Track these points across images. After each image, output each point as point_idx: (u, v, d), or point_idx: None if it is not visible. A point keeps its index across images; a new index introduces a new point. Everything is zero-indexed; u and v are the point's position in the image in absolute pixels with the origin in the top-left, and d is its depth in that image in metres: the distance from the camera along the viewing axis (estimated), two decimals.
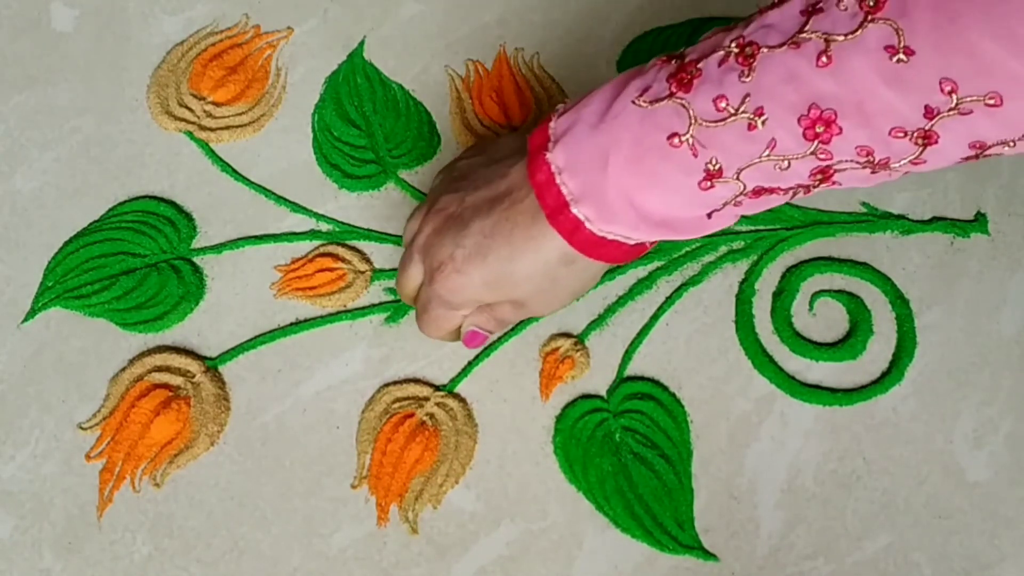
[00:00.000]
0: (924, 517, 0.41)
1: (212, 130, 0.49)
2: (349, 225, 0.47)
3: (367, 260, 0.46)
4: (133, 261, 0.46)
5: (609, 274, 0.45)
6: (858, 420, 0.43)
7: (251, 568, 0.41)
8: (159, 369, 0.44)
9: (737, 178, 0.32)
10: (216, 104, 0.49)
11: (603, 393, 0.44)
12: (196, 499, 0.42)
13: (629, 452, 0.42)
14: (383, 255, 0.46)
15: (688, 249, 0.46)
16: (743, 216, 0.35)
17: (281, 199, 0.47)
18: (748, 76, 0.30)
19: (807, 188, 0.32)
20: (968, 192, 0.47)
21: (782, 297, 0.45)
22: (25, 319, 0.45)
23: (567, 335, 0.44)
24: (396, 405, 0.43)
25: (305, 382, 0.44)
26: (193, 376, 0.44)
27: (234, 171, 0.48)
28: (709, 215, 0.34)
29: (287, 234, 0.47)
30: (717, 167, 0.32)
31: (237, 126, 0.49)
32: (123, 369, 0.44)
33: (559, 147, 0.34)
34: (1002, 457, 0.42)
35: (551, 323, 0.45)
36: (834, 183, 0.32)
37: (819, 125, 0.29)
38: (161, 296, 0.45)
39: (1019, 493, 0.42)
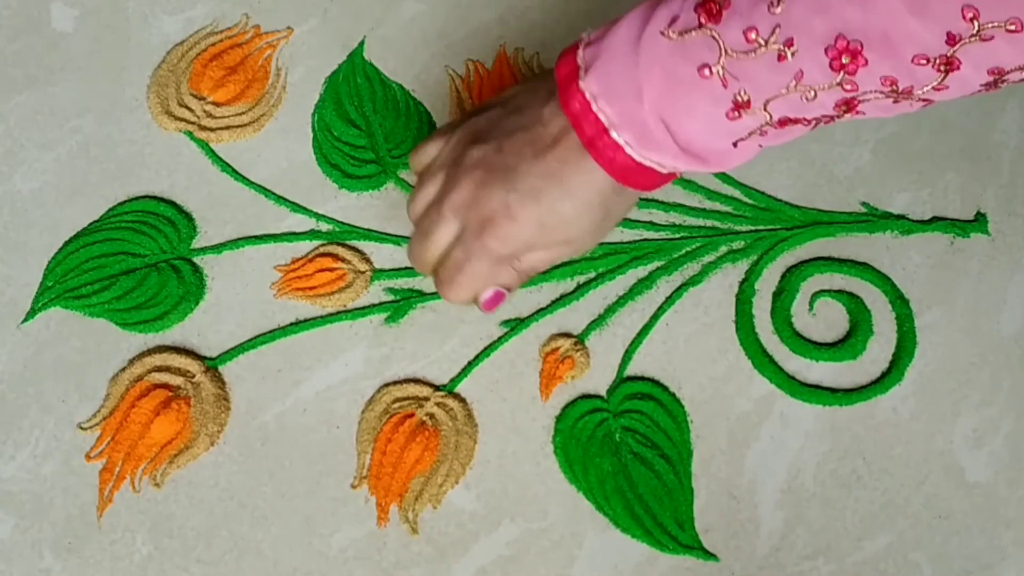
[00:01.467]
0: (924, 517, 0.41)
1: (212, 130, 0.49)
2: (349, 225, 0.47)
3: (367, 260, 0.46)
4: (133, 261, 0.46)
5: (610, 274, 0.45)
6: (858, 420, 0.43)
7: (251, 568, 0.41)
8: (159, 369, 0.44)
9: (764, 108, 0.32)
10: (216, 104, 0.49)
11: (603, 393, 0.44)
12: (196, 499, 0.42)
13: (629, 452, 0.42)
14: (383, 255, 0.46)
15: (688, 249, 0.46)
16: (764, 145, 0.35)
17: (281, 199, 0.47)
18: (778, 7, 0.30)
19: (831, 118, 0.33)
20: (968, 192, 0.47)
21: (782, 297, 0.45)
22: (25, 319, 0.45)
23: (567, 335, 0.44)
24: (396, 405, 0.43)
25: (305, 382, 0.44)
26: (193, 376, 0.44)
27: (234, 171, 0.48)
28: (735, 144, 0.34)
29: (287, 234, 0.47)
30: (746, 98, 0.32)
31: (237, 126, 0.49)
32: (123, 369, 0.44)
33: (591, 75, 0.34)
34: (1002, 457, 0.42)
35: (551, 323, 0.45)
36: (858, 112, 0.32)
37: (845, 56, 0.30)
38: (161, 296, 0.45)
39: (1019, 493, 0.42)
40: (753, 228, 0.46)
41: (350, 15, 0.52)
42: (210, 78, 0.50)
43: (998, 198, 0.47)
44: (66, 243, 0.47)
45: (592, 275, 0.46)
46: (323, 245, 0.46)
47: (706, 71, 0.32)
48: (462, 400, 0.43)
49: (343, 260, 0.46)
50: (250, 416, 0.43)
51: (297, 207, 0.47)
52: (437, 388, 0.44)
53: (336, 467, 0.42)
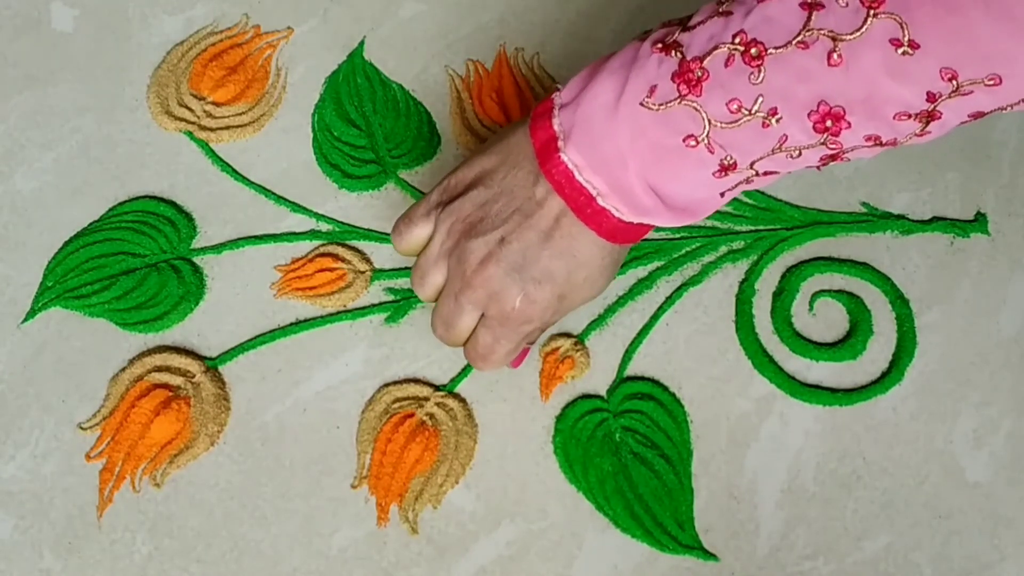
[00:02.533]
0: (924, 517, 0.41)
1: (212, 130, 0.49)
2: (349, 225, 0.47)
3: (367, 260, 0.46)
4: (133, 261, 0.46)
5: None
6: (858, 420, 0.43)
7: (251, 568, 0.41)
8: (159, 369, 0.44)
9: (750, 167, 0.33)
10: (216, 104, 0.49)
11: (603, 393, 0.44)
12: (196, 499, 0.42)
13: (629, 452, 0.42)
14: (383, 255, 0.46)
15: (688, 249, 0.46)
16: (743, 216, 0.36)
17: (281, 199, 0.47)
18: (759, 77, 0.30)
19: (817, 168, 0.34)
20: (968, 192, 0.47)
21: (782, 297, 0.45)
22: (25, 319, 0.45)
23: (567, 335, 0.44)
24: (396, 405, 0.43)
25: (305, 382, 0.44)
26: (193, 376, 0.44)
27: (234, 171, 0.48)
28: (722, 194, 0.35)
29: (287, 234, 0.47)
30: (732, 161, 0.33)
31: (237, 126, 0.49)
32: (123, 369, 0.44)
33: (572, 145, 0.34)
34: (1002, 457, 0.42)
35: None
36: (843, 159, 0.33)
37: (829, 120, 0.30)
38: (161, 296, 0.45)
39: (1019, 493, 0.42)
40: (753, 228, 0.46)
41: (350, 15, 0.52)
42: (210, 78, 0.50)
43: (998, 198, 0.47)
44: (66, 243, 0.47)
45: None
46: (323, 245, 0.46)
47: (692, 141, 0.32)
48: (462, 400, 0.43)
49: (343, 260, 0.46)
50: (250, 416, 0.43)
51: (297, 207, 0.47)
52: (437, 388, 0.44)
53: (336, 467, 0.42)
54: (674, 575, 0.41)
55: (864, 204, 0.47)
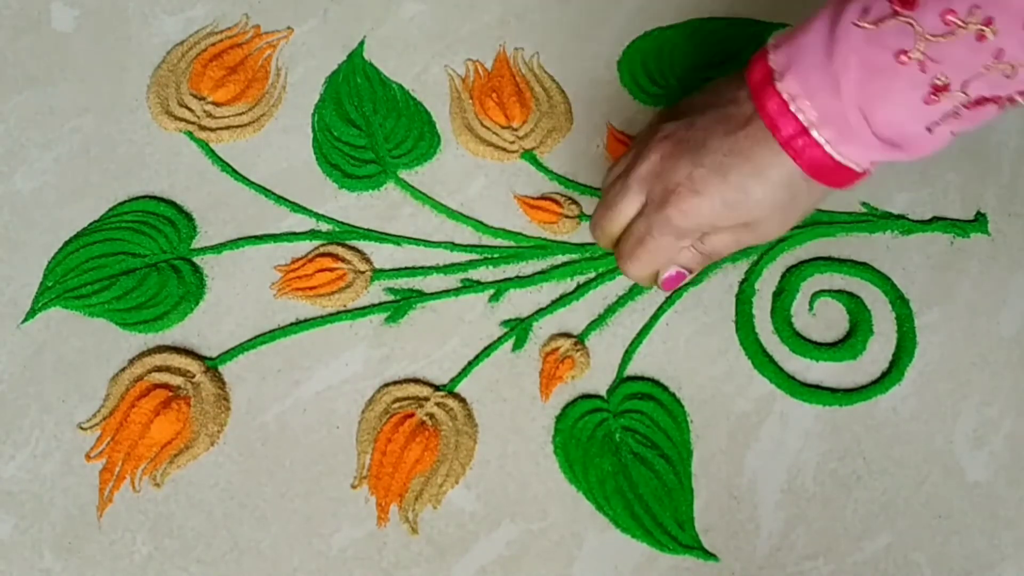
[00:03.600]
0: (924, 517, 0.41)
1: (212, 130, 0.49)
2: (349, 225, 0.47)
3: (367, 260, 0.46)
4: (133, 261, 0.46)
5: (610, 274, 0.45)
6: (858, 420, 0.43)
7: (251, 568, 0.41)
8: (159, 369, 0.44)
9: (962, 90, 0.32)
10: (216, 104, 0.49)
11: (603, 393, 0.44)
12: (196, 499, 0.42)
13: (629, 452, 0.42)
14: (383, 255, 0.46)
15: None
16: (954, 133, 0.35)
17: (281, 199, 0.47)
18: None
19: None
20: (968, 192, 0.47)
21: (782, 297, 0.45)
22: (25, 319, 0.45)
23: (567, 335, 0.44)
24: (396, 405, 0.43)
25: (305, 382, 0.44)
26: (193, 376, 0.44)
27: (234, 171, 0.48)
28: (930, 129, 0.34)
29: (287, 234, 0.47)
30: (944, 81, 0.32)
31: (237, 126, 0.49)
32: (123, 369, 0.44)
33: (788, 76, 0.34)
34: (1002, 457, 0.42)
35: (551, 323, 0.45)
36: None
37: None
38: (161, 296, 0.45)
39: (1019, 493, 0.42)
40: None
41: (350, 15, 0.52)
42: (210, 78, 0.50)
43: (998, 198, 0.47)
44: (66, 243, 0.47)
45: (592, 275, 0.46)
46: (323, 245, 0.46)
47: (904, 57, 0.32)
48: (462, 400, 0.43)
49: (343, 260, 0.46)
50: (250, 416, 0.43)
51: (297, 207, 0.47)
52: (437, 388, 0.44)
53: (336, 467, 0.42)
54: (674, 575, 0.41)
55: (864, 204, 0.47)
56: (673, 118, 0.38)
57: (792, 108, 0.34)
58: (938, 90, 0.32)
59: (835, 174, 0.35)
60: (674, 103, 0.40)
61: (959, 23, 0.31)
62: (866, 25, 0.32)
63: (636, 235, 0.39)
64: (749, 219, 0.37)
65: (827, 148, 0.34)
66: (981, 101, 0.33)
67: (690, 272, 0.40)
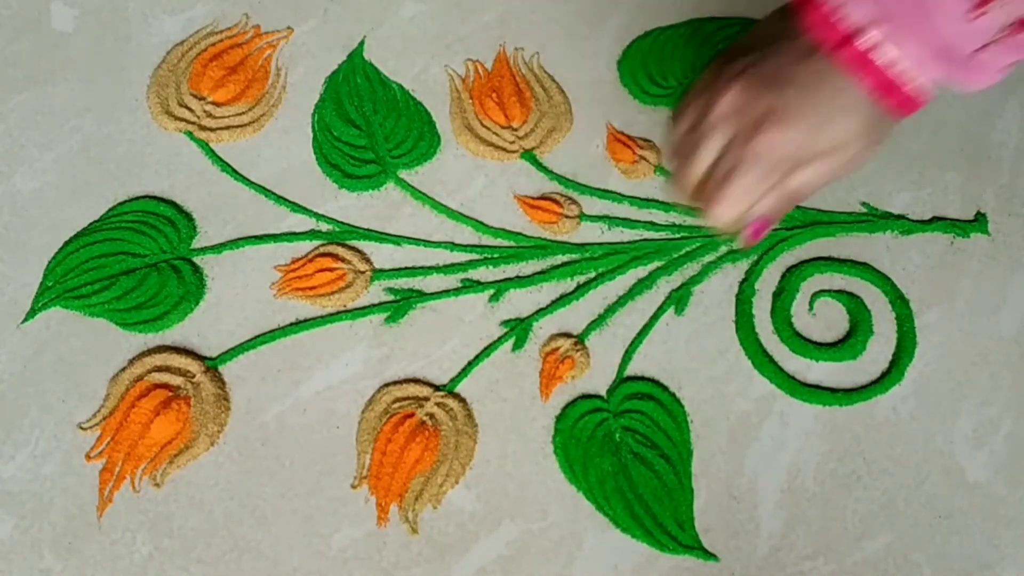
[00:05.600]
0: (924, 517, 0.41)
1: (212, 130, 0.49)
2: (349, 225, 0.47)
3: (367, 260, 0.46)
4: (133, 261, 0.46)
5: (610, 274, 0.45)
6: (858, 420, 0.43)
7: (251, 568, 0.41)
8: (159, 369, 0.44)
9: (1002, 6, 0.32)
10: (216, 104, 0.49)
11: (603, 393, 0.44)
12: (196, 499, 0.42)
13: (629, 452, 0.42)
14: (383, 255, 0.46)
15: (688, 249, 0.46)
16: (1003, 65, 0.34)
17: (281, 199, 0.47)
18: None
19: None
20: (968, 192, 0.47)
21: (782, 297, 0.45)
22: (25, 319, 0.45)
23: (567, 335, 0.44)
24: (396, 405, 0.43)
25: (305, 382, 0.44)
26: (193, 376, 0.44)
27: (234, 171, 0.48)
28: (979, 51, 0.34)
29: (287, 234, 0.47)
30: None
31: (237, 126, 0.49)
32: (123, 369, 0.44)
33: None
34: (1002, 457, 0.42)
35: (551, 323, 0.45)
36: None
37: None
38: (161, 296, 0.45)
39: (1019, 493, 0.42)
40: None
41: (350, 15, 0.52)
42: (210, 78, 0.50)
43: (998, 198, 0.47)
44: (66, 243, 0.47)
45: (592, 275, 0.46)
46: (323, 245, 0.46)
47: None
48: (462, 400, 0.43)
49: (343, 260, 0.46)
50: (250, 416, 0.43)
51: (297, 207, 0.47)
52: (437, 388, 0.44)
53: (336, 467, 0.42)
54: (674, 575, 0.41)
55: (864, 204, 0.47)
56: (739, 52, 0.38)
57: (837, 16, 0.34)
58: (983, 2, 0.32)
59: (892, 89, 0.35)
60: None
61: None
62: None
63: (722, 173, 0.37)
64: (831, 143, 0.36)
65: (877, 61, 0.34)
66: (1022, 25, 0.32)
67: (774, 220, 0.39)
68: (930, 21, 0.33)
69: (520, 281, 0.45)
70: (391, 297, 0.45)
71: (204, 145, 0.49)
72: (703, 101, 0.38)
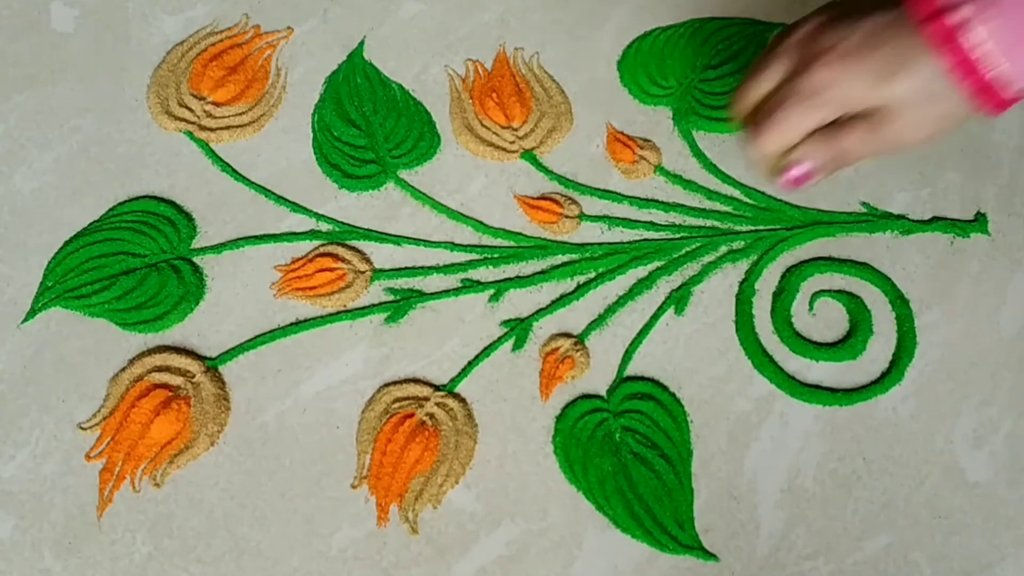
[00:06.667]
0: (924, 517, 0.41)
1: (212, 130, 0.49)
2: (349, 225, 0.47)
3: (367, 260, 0.46)
4: (133, 261, 0.46)
5: (610, 274, 0.45)
6: (858, 420, 0.43)
7: (251, 568, 0.41)
8: (159, 369, 0.44)
9: None
10: (216, 104, 0.49)
11: (603, 393, 0.44)
12: (196, 499, 0.42)
13: (629, 452, 0.42)
14: (383, 255, 0.46)
15: (688, 249, 0.46)
16: None
17: (281, 199, 0.47)
18: None
19: None
20: (968, 192, 0.47)
21: (782, 297, 0.45)
22: (25, 319, 0.45)
23: (567, 335, 0.44)
24: (396, 405, 0.43)
25: (305, 382, 0.44)
26: (193, 376, 0.44)
27: (234, 171, 0.48)
28: None
29: (287, 234, 0.47)
30: None
31: (237, 126, 0.49)
32: (123, 369, 0.44)
33: None
34: (1002, 457, 0.42)
35: (551, 323, 0.45)
36: None
37: None
38: (161, 296, 0.45)
39: (1019, 493, 0.42)
40: (753, 228, 0.46)
41: (350, 15, 0.52)
42: (210, 78, 0.50)
43: (998, 198, 0.47)
44: (66, 243, 0.47)
45: (592, 275, 0.46)
46: (323, 245, 0.46)
47: None
48: (462, 400, 0.43)
49: (343, 260, 0.46)
50: (250, 416, 0.43)
51: (297, 207, 0.47)
52: (437, 388, 0.44)
53: (336, 467, 0.42)
54: (674, 575, 0.41)
55: (864, 204, 0.47)
56: (829, 6, 0.38)
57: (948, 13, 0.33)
58: None
59: (974, 77, 0.34)
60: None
61: None
62: None
63: (776, 100, 0.37)
64: (888, 103, 0.35)
65: (964, 43, 0.33)
66: None
67: (816, 172, 0.38)
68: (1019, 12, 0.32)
69: (520, 281, 0.45)
70: (391, 297, 0.45)
71: (204, 145, 0.49)
72: (785, 31, 0.38)
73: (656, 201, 0.47)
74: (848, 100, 0.36)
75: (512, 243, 0.46)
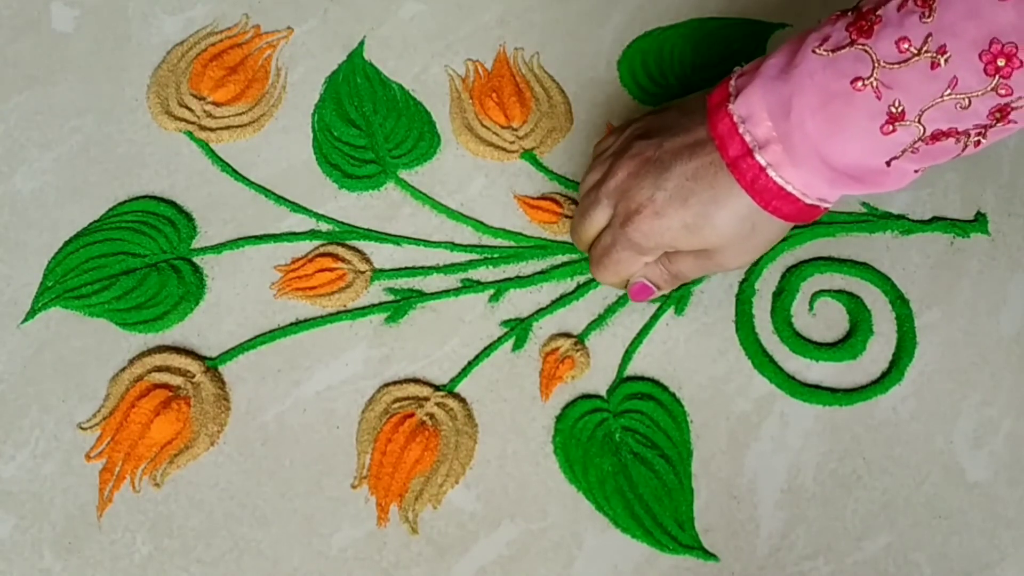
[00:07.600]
0: (924, 517, 0.41)
1: (212, 130, 0.49)
2: (349, 225, 0.47)
3: (367, 260, 0.46)
4: (133, 261, 0.46)
5: None
6: (858, 420, 0.43)
7: (251, 568, 0.41)
8: (159, 369, 0.44)
9: (918, 121, 0.32)
10: (216, 104, 0.49)
11: (603, 393, 0.44)
12: (196, 499, 0.42)
13: (629, 452, 0.42)
14: (383, 255, 0.46)
15: None
16: (916, 169, 0.35)
17: (281, 199, 0.47)
18: (929, 17, 0.31)
19: (983, 130, 0.33)
20: (968, 192, 0.47)
21: (782, 297, 0.45)
22: (25, 319, 0.45)
23: (567, 335, 0.44)
24: (396, 405, 0.43)
25: (305, 382, 0.44)
26: (193, 376, 0.44)
27: (234, 171, 0.48)
28: (888, 163, 0.34)
29: (287, 234, 0.47)
30: (900, 109, 0.32)
31: (237, 126, 0.49)
32: (123, 369, 0.44)
33: (740, 98, 0.35)
34: (1002, 457, 0.42)
35: (551, 323, 0.45)
36: (1009, 122, 0.32)
37: (1000, 59, 0.30)
38: (161, 296, 0.45)
39: (1019, 493, 0.42)
40: None
41: (350, 15, 0.52)
42: (210, 78, 0.50)
43: (998, 198, 0.47)
44: (66, 243, 0.47)
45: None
46: (323, 245, 0.46)
47: (859, 83, 0.32)
48: (462, 400, 0.43)
49: (343, 260, 0.46)
50: (250, 416, 0.43)
51: (297, 207, 0.47)
52: (437, 388, 0.44)
53: (336, 467, 0.42)
54: (674, 575, 0.41)
55: (864, 204, 0.47)
56: (646, 134, 0.39)
57: (740, 130, 0.35)
58: (893, 119, 0.32)
59: (782, 202, 0.36)
60: (660, 108, 0.41)
61: (913, 51, 0.31)
62: (824, 52, 0.33)
63: (603, 246, 0.40)
64: (709, 245, 0.38)
65: (769, 172, 0.35)
66: (938, 135, 0.33)
67: (658, 289, 0.41)
68: (839, 141, 0.34)
69: (520, 281, 0.45)
70: (391, 297, 0.45)
71: (204, 145, 0.49)
72: (606, 166, 0.40)
73: None
74: (672, 245, 0.38)
75: (512, 243, 0.46)
